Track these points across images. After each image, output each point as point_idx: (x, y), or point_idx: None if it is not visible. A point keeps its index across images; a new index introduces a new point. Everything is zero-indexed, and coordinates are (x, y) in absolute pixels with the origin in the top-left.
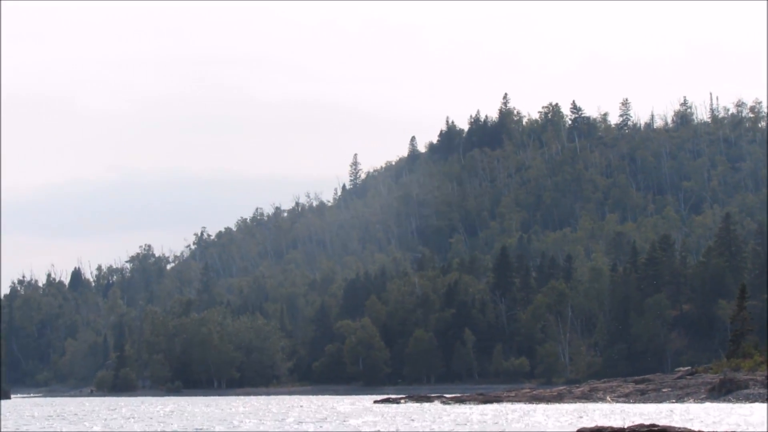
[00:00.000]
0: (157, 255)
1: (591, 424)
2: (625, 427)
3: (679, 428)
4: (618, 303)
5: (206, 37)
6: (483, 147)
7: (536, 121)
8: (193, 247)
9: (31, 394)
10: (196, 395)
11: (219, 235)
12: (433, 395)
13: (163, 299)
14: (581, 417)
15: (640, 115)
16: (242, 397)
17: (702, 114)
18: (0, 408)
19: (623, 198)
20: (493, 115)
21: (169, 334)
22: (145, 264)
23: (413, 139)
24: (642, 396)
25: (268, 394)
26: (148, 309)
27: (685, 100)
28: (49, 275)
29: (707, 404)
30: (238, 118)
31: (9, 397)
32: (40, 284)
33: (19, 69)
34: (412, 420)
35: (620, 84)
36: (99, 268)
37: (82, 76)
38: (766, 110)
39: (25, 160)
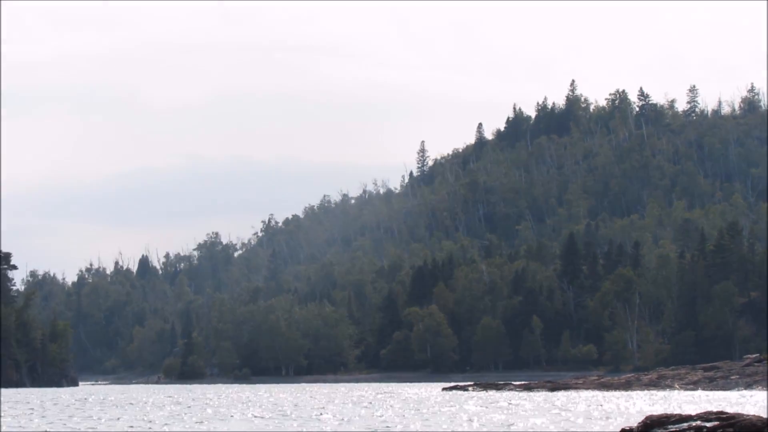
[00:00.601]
0: (224, 242)
1: (659, 412)
2: (693, 414)
3: (749, 416)
4: (686, 290)
5: (274, 24)
6: (550, 134)
7: (603, 108)
8: (260, 234)
9: (99, 381)
10: (263, 383)
11: (286, 222)
12: (500, 382)
13: (230, 286)
14: (652, 405)
15: (707, 102)
16: (313, 385)
17: None
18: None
19: (691, 185)
20: (561, 102)
21: (237, 321)
22: (213, 251)
23: (480, 126)
24: (710, 383)
25: (335, 381)
26: (216, 296)
27: (752, 87)
28: (116, 263)
29: None
30: (306, 104)
31: (77, 384)
32: (108, 272)
33: (88, 58)
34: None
35: (687, 71)
36: (167, 256)
37: (150, 64)
38: None
39: (93, 149)
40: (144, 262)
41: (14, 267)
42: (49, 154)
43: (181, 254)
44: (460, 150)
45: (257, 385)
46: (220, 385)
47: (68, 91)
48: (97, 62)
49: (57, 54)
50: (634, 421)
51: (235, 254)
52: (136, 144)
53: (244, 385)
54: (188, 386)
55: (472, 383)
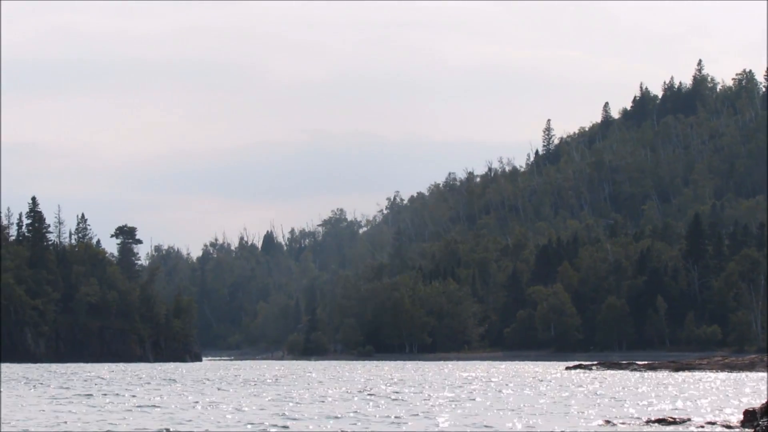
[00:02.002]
0: (349, 219)
1: None
2: None
3: None
4: None
5: (397, 1)
6: (677, 113)
7: (730, 88)
8: (385, 211)
9: (222, 357)
10: (387, 359)
11: (411, 199)
12: (624, 362)
13: (355, 263)
14: None
15: None
16: (442, 362)
17: None
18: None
19: None
20: (687, 81)
21: (361, 298)
22: (338, 228)
23: (606, 104)
24: None
25: (458, 359)
26: (340, 273)
27: None
28: (241, 238)
29: None
30: (430, 81)
31: (200, 359)
32: (233, 247)
33: (210, 32)
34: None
35: None
36: (292, 232)
37: (272, 39)
38: None
39: (218, 124)
40: (269, 237)
41: (139, 241)
42: (174, 129)
43: (306, 230)
44: (586, 129)
45: (384, 362)
46: (342, 361)
47: (192, 66)
48: (220, 36)
49: (179, 28)
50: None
51: (360, 231)
52: (261, 119)
53: (373, 362)
54: (313, 363)
55: (595, 362)
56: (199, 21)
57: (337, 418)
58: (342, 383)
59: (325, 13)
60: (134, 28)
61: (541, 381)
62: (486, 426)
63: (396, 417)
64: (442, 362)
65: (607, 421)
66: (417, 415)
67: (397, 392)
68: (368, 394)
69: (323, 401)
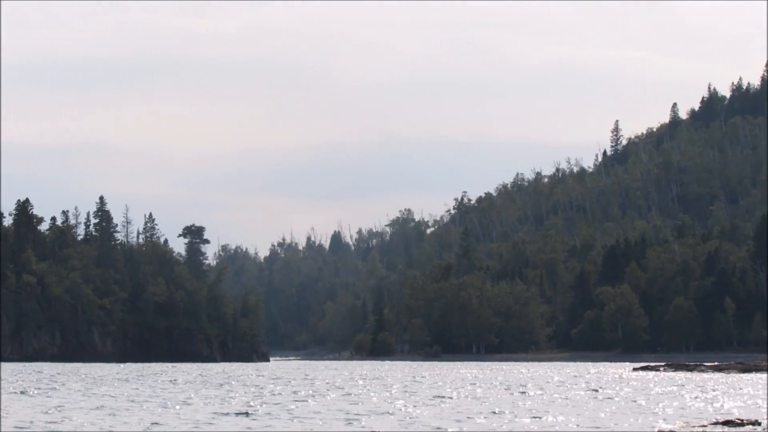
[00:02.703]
0: (417, 219)
1: None
2: None
3: None
4: None
5: (465, 2)
6: (745, 114)
7: None
8: (453, 211)
9: (289, 357)
10: (454, 360)
11: (479, 199)
12: (691, 363)
13: (422, 263)
14: None
15: None
16: (505, 363)
17: None
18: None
19: None
20: (756, 82)
21: (429, 298)
22: (405, 228)
23: (675, 105)
24: None
25: (526, 360)
26: (408, 273)
27: None
28: (309, 238)
29: None
30: (497, 82)
31: (268, 360)
32: (301, 247)
33: (279, 33)
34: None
35: None
36: (359, 232)
37: (341, 39)
38: None
39: (286, 124)
40: (336, 237)
41: (206, 241)
42: (243, 129)
43: (374, 230)
44: (654, 129)
45: (453, 363)
46: (409, 362)
47: (261, 66)
48: (289, 37)
49: (248, 28)
50: None
51: (428, 231)
52: (329, 120)
53: (440, 363)
54: (379, 363)
55: (662, 364)
56: (269, 22)
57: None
58: (489, 383)
59: (393, 14)
60: (204, 28)
61: (620, 381)
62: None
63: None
64: (514, 363)
65: (676, 423)
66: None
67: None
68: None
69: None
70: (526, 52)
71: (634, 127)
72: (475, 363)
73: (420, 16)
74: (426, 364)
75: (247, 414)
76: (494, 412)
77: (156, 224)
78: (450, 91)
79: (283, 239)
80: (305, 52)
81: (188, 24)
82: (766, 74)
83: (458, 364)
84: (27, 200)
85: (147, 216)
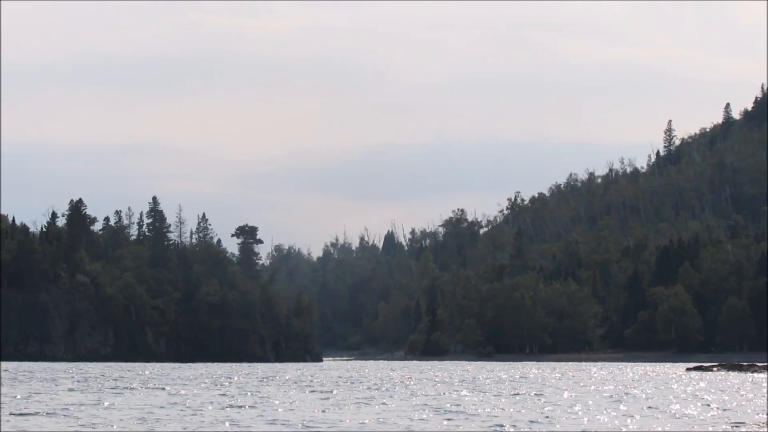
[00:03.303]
0: (470, 219)
1: None
2: None
3: None
4: None
5: (516, 2)
6: None
7: None
8: (506, 211)
9: (343, 357)
10: (507, 360)
11: (532, 200)
12: (744, 363)
13: (475, 263)
14: None
15: None
16: (559, 363)
17: None
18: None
19: None
20: None
21: (482, 298)
22: (459, 228)
23: (728, 105)
24: None
25: (579, 360)
26: (461, 273)
27: None
28: (362, 238)
29: None
30: (551, 81)
31: (321, 360)
32: (354, 247)
33: (333, 32)
34: None
35: None
36: (412, 232)
37: (395, 39)
38: None
39: (339, 124)
40: (389, 238)
41: (260, 241)
42: (296, 129)
43: (427, 230)
44: (708, 129)
45: (508, 363)
46: (462, 362)
47: (314, 66)
48: (342, 36)
49: (302, 27)
50: None
51: (481, 231)
52: (382, 119)
53: (497, 363)
54: (432, 363)
55: (716, 364)
56: (323, 21)
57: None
58: (576, 384)
59: (446, 13)
60: (258, 28)
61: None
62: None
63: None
64: (575, 363)
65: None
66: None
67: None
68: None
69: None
70: (580, 51)
71: (687, 128)
72: (534, 363)
73: (474, 15)
74: (497, 365)
75: None
76: None
77: (209, 224)
78: (503, 90)
79: (337, 239)
80: (359, 52)
81: (242, 23)
82: None
83: (519, 364)
84: (80, 200)
85: (200, 216)
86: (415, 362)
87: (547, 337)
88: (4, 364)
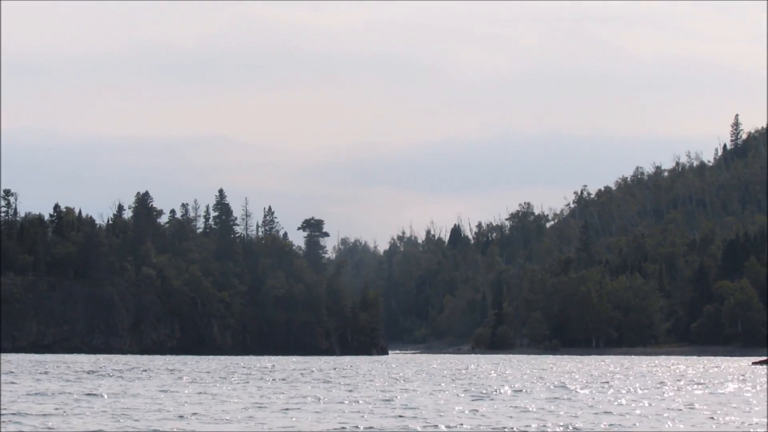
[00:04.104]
0: (536, 213)
1: None
2: None
3: None
4: None
5: None
6: None
7: None
8: (572, 205)
9: (408, 351)
10: (573, 354)
11: (599, 193)
12: None
13: (541, 257)
14: None
15: None
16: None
17: None
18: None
19: None
20: None
21: (548, 292)
22: (525, 221)
23: None
24: None
25: (645, 354)
26: (527, 267)
27: None
28: (428, 232)
29: None
30: (617, 75)
31: (386, 353)
32: (420, 240)
33: (396, 27)
34: None
35: None
36: (479, 225)
37: (462, 34)
38: None
39: (405, 117)
40: (456, 231)
41: (326, 234)
42: (362, 122)
43: (493, 224)
44: None
45: (575, 356)
46: (528, 356)
47: (380, 60)
48: (407, 31)
49: (367, 23)
50: None
51: (547, 225)
52: (448, 113)
53: (563, 356)
54: (498, 356)
55: None
56: (387, 16)
57: None
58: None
59: (511, 7)
60: (323, 22)
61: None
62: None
63: None
64: (642, 356)
65: None
66: None
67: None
68: None
69: None
70: (645, 45)
71: (754, 121)
72: (600, 357)
73: (538, 9)
74: (564, 359)
75: None
76: None
77: (275, 217)
78: (569, 84)
79: (403, 232)
80: (424, 47)
81: (307, 18)
82: None
83: (586, 358)
84: (146, 193)
85: (266, 209)
86: (485, 356)
87: (612, 330)
88: (78, 357)
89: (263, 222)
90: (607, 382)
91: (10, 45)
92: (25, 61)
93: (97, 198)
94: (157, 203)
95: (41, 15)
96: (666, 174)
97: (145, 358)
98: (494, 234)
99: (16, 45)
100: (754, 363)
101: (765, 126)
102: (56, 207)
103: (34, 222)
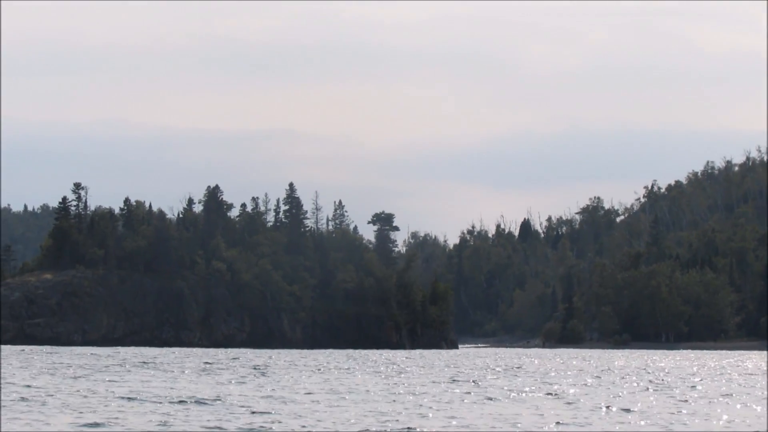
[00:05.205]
0: (606, 207)
1: None
2: None
3: None
4: None
5: None
6: None
7: None
8: (642, 199)
9: (478, 345)
10: (643, 348)
11: (669, 188)
12: None
13: (612, 251)
14: None
15: None
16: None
17: None
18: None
19: None
20: None
21: (618, 286)
22: (595, 216)
23: None
24: None
25: (715, 348)
26: (597, 261)
27: None
28: (498, 226)
29: None
30: (686, 69)
31: (456, 347)
32: (490, 234)
33: (462, 21)
34: None
35: None
36: (548, 220)
37: (529, 28)
38: None
39: (474, 111)
40: (526, 225)
41: (396, 228)
42: (431, 116)
43: (563, 218)
44: None
45: (640, 351)
46: (598, 350)
47: (447, 55)
48: (476, 26)
49: (433, 17)
50: None
51: (617, 219)
52: (517, 107)
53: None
54: (570, 351)
55: None
56: (456, 10)
57: None
58: None
59: (580, 1)
60: (391, 16)
61: None
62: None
63: None
64: (708, 351)
65: None
66: None
67: None
68: None
69: None
70: (715, 39)
71: None
72: (672, 352)
73: (607, 4)
74: (635, 353)
75: None
76: None
77: (345, 211)
78: (638, 78)
79: (473, 227)
80: (493, 41)
81: (376, 12)
82: None
83: (656, 353)
84: (217, 186)
85: (336, 203)
86: (558, 350)
87: (682, 325)
88: (151, 350)
89: (333, 216)
90: None
91: (82, 39)
92: (98, 55)
93: (167, 192)
94: (227, 197)
95: (113, 10)
96: (737, 168)
97: (249, 352)
98: (564, 228)
99: (88, 39)
100: None
101: None
102: (126, 201)
103: (105, 216)
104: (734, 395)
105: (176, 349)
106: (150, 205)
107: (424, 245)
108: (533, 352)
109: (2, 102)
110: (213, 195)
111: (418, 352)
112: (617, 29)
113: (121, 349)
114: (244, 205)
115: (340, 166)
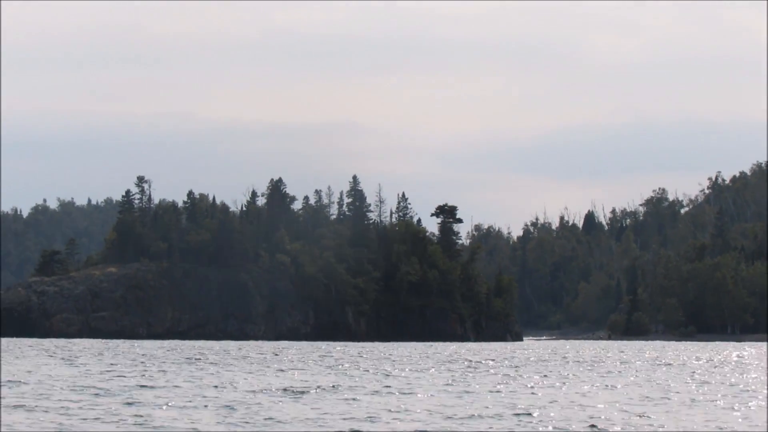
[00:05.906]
0: (671, 199)
1: None
2: None
3: None
4: None
5: None
6: None
7: None
8: (707, 191)
9: (543, 337)
10: (709, 340)
11: (734, 179)
12: None
13: (676, 243)
14: None
15: None
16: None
17: None
18: None
19: None
20: None
21: (683, 278)
22: (659, 207)
23: None
24: None
25: None
26: (662, 253)
27: None
28: (562, 218)
29: None
30: (750, 59)
31: (521, 339)
32: (554, 227)
33: (520, 11)
34: None
35: None
36: (613, 211)
37: (593, 18)
38: None
39: (537, 103)
40: (589, 217)
41: (459, 221)
42: (493, 108)
43: (628, 210)
44: None
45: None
46: (663, 342)
47: (508, 46)
48: (537, 16)
49: (496, 8)
50: None
51: (682, 211)
52: (581, 99)
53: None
54: (635, 343)
55: None
56: (518, 1)
57: None
58: None
59: None
60: (451, 8)
61: None
62: None
63: None
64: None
65: None
66: None
67: None
68: None
69: None
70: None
71: None
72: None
73: None
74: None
75: None
76: None
77: (409, 203)
78: (704, 68)
79: (537, 219)
80: (556, 31)
81: (435, 5)
82: None
83: (724, 344)
84: (280, 179)
85: (400, 195)
86: (624, 342)
87: (749, 316)
88: (214, 344)
89: (397, 208)
90: None
91: (150, 33)
92: (164, 49)
93: (230, 184)
94: (290, 189)
95: (180, 4)
96: None
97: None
98: (628, 220)
99: (155, 33)
100: None
101: None
102: (190, 193)
103: (168, 209)
104: None
105: (275, 343)
106: (213, 198)
107: (487, 237)
108: (629, 345)
109: (65, 95)
110: (276, 188)
111: (486, 344)
112: (681, 18)
113: (206, 343)
114: (307, 198)
115: (402, 158)
